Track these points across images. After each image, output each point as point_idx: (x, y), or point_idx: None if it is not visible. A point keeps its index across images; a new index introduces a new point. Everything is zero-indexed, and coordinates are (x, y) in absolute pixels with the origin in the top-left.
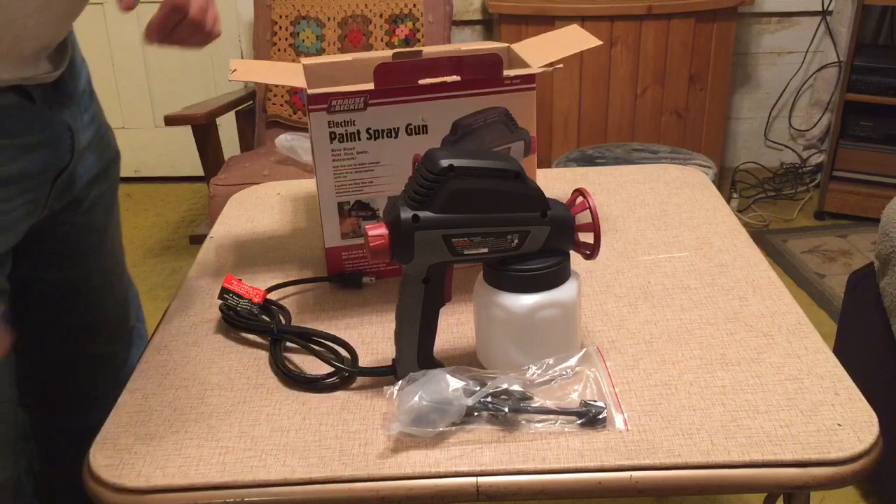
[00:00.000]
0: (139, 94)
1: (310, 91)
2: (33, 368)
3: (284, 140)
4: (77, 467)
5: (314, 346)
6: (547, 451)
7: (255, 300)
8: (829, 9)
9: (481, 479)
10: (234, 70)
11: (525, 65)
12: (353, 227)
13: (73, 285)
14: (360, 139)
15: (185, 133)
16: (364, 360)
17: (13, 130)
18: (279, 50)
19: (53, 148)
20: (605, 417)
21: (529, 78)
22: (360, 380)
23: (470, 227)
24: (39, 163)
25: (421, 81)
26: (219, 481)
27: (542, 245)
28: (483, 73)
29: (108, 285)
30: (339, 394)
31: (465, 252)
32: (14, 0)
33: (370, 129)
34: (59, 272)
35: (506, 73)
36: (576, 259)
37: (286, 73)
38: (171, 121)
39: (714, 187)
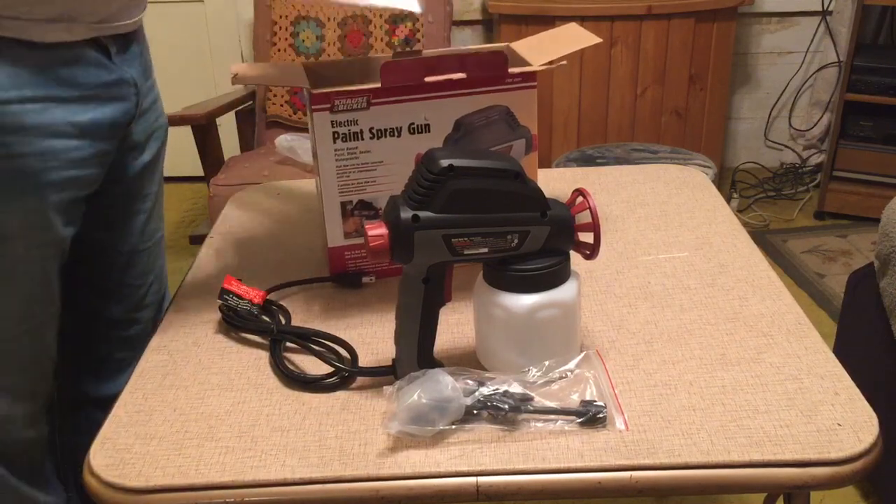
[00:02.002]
0: None
1: (313, 91)
2: (65, 330)
3: (284, 140)
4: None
5: (314, 347)
6: (547, 451)
7: (256, 301)
8: (829, 9)
9: (481, 479)
10: (236, 74)
11: (525, 63)
12: (355, 226)
13: (115, 248)
14: (363, 139)
15: (185, 133)
16: (364, 360)
17: (90, 83)
18: (279, 50)
19: (122, 102)
20: (605, 417)
21: (530, 76)
22: (360, 380)
23: (470, 227)
24: (110, 114)
25: (427, 79)
26: (219, 481)
27: (542, 245)
28: (488, 70)
29: (148, 252)
30: (339, 394)
31: (465, 252)
32: None
33: (373, 128)
34: (105, 233)
35: (510, 69)
36: (576, 259)
37: (287, 74)
38: (171, 121)
39: (714, 187)
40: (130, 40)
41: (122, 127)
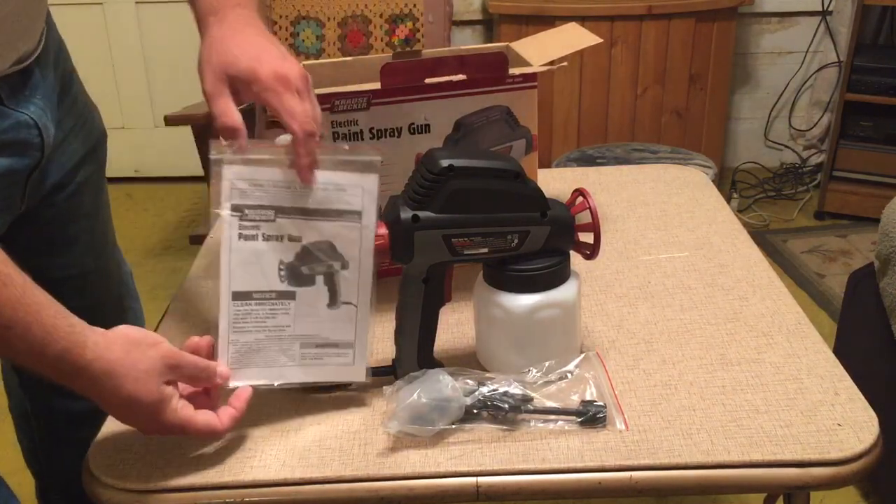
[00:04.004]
0: (139, 94)
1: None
2: None
3: (284, 140)
4: (82, 447)
5: None
6: (547, 451)
7: None
8: (829, 9)
9: (481, 479)
10: None
11: (526, 63)
12: None
13: (63, 271)
14: (363, 139)
15: (185, 133)
16: None
17: None
18: None
19: (21, 148)
20: (604, 416)
21: (531, 76)
22: None
23: (470, 227)
24: (5, 164)
25: (427, 80)
26: (219, 481)
27: (542, 245)
28: (488, 71)
29: (100, 269)
30: (339, 394)
31: (465, 252)
32: None
33: (373, 128)
34: (48, 258)
35: (510, 70)
36: (576, 259)
37: None
38: (171, 121)
39: (714, 187)
40: (30, 71)
41: (22, 173)
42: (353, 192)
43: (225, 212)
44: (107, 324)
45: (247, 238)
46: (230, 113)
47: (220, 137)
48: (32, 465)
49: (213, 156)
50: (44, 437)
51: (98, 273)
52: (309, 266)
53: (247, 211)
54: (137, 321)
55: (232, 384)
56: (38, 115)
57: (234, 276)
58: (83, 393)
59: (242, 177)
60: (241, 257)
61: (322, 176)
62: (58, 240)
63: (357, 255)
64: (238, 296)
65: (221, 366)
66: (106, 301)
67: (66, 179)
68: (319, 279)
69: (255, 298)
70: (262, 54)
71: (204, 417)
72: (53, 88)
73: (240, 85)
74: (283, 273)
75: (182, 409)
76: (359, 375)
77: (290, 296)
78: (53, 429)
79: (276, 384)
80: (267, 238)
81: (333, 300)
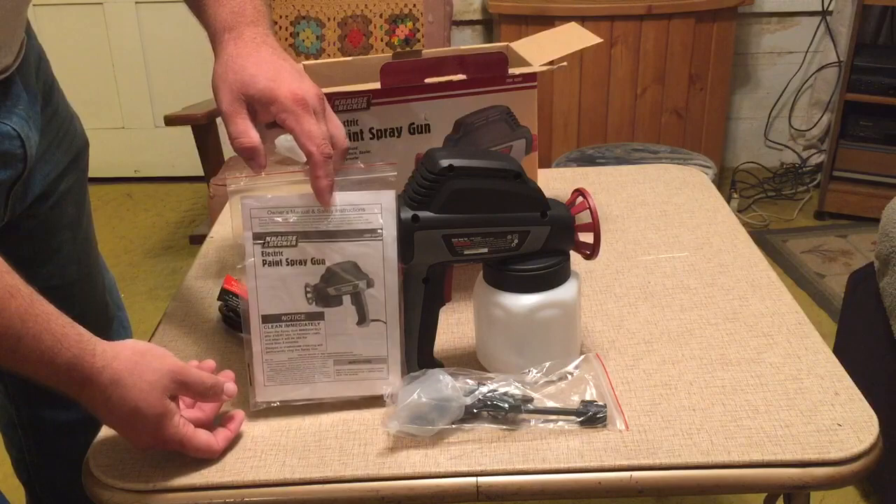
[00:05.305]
0: (139, 94)
1: None
2: None
3: (284, 140)
4: (71, 458)
5: None
6: (547, 451)
7: None
8: (829, 9)
9: (481, 479)
10: None
11: (526, 63)
12: None
13: (47, 282)
14: (363, 139)
15: (185, 133)
16: None
17: None
18: None
19: (4, 160)
20: (605, 416)
21: (531, 76)
22: None
23: (470, 227)
24: None
25: (427, 80)
26: (219, 481)
27: (542, 245)
28: (488, 71)
29: (85, 278)
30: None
31: (466, 252)
32: None
33: (373, 128)
34: (32, 269)
35: (510, 70)
36: (576, 259)
37: None
38: (171, 121)
39: (714, 187)
40: (11, 82)
41: (5, 185)
42: (372, 210)
43: (247, 241)
44: (92, 332)
45: (271, 264)
46: (249, 133)
47: (235, 150)
48: (21, 475)
49: (230, 188)
50: (32, 448)
51: (82, 282)
52: (335, 287)
53: (268, 238)
54: (123, 330)
55: (266, 399)
56: (21, 125)
57: (262, 301)
58: (88, 404)
59: (261, 205)
60: (267, 283)
61: (340, 197)
62: (41, 250)
63: (381, 273)
64: (267, 319)
65: (229, 382)
66: (91, 311)
67: (49, 189)
68: (346, 299)
69: (284, 321)
70: (279, 75)
71: (204, 436)
72: (36, 98)
73: (257, 105)
74: (309, 295)
75: (183, 426)
76: (393, 388)
77: (319, 316)
78: (42, 439)
79: (312, 398)
80: (291, 263)
81: (362, 318)
